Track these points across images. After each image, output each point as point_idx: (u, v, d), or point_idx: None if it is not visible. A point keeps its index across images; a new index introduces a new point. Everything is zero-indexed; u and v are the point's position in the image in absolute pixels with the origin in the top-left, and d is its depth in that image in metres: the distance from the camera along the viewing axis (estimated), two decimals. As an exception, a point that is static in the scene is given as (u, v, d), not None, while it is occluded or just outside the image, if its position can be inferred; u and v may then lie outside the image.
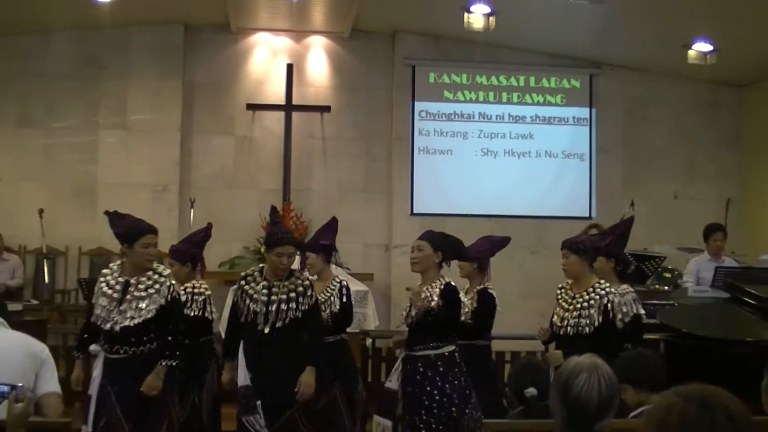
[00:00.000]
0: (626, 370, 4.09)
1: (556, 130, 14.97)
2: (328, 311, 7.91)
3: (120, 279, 6.52)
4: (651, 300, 10.66)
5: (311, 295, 6.80)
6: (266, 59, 14.66)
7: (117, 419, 6.26)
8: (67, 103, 14.04)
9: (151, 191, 14.03)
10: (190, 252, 8.13)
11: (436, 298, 6.67)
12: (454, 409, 6.56)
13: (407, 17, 14.24)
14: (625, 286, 7.70)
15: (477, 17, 12.04)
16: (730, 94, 15.27)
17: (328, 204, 14.18)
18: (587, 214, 14.46)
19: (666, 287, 11.25)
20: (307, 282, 6.83)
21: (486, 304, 7.87)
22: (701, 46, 12.68)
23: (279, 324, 6.64)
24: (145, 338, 6.36)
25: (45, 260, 12.69)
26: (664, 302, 10.60)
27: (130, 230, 6.70)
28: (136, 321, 6.32)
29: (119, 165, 14.08)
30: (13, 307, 9.82)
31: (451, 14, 12.55)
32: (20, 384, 3.95)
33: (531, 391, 5.61)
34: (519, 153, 14.85)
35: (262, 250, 13.15)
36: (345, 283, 8.27)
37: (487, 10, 11.95)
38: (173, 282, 6.54)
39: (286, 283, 6.75)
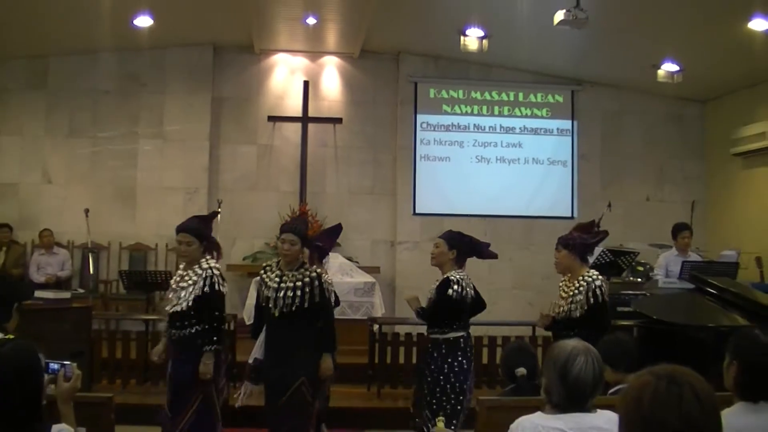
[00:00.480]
0: (606, 353, 4.09)
1: (542, 139, 14.97)
2: None
3: (180, 272, 6.67)
4: (626, 290, 10.68)
5: (318, 285, 6.71)
6: (285, 76, 14.68)
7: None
8: (110, 116, 14.08)
9: (184, 193, 14.07)
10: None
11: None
12: (455, 386, 6.80)
13: (410, 39, 14.25)
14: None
15: (472, 40, 12.04)
16: (694, 108, 15.25)
17: (340, 205, 14.21)
18: (570, 214, 14.47)
19: (639, 279, 11.24)
20: (314, 274, 6.74)
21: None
22: (669, 66, 12.67)
23: (285, 309, 6.62)
24: (186, 323, 6.43)
25: (90, 254, 12.70)
26: (637, 292, 10.60)
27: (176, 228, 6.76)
28: (176, 308, 6.44)
29: (156, 170, 14.12)
30: (62, 294, 9.89)
31: (449, 37, 12.55)
32: (68, 362, 3.96)
33: (521, 370, 5.62)
34: (509, 160, 14.85)
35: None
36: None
37: (481, 33, 11.95)
38: (212, 275, 6.49)
39: (296, 273, 6.71)
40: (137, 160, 14.13)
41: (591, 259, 9.55)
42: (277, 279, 6.74)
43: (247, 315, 11.03)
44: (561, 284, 7.15)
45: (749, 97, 13.61)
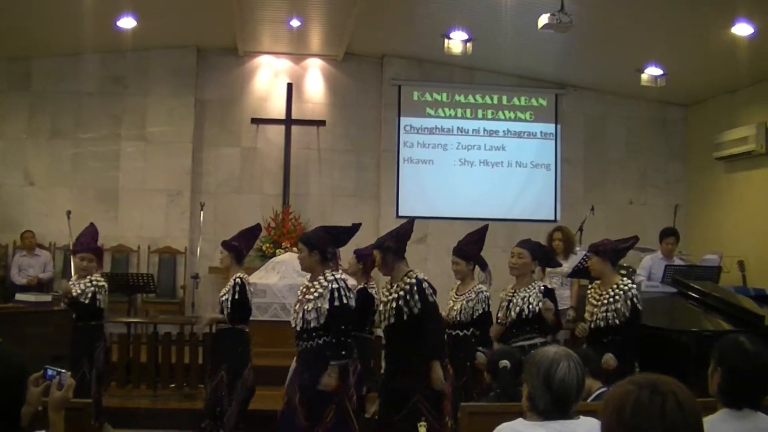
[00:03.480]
0: (584, 362, 4.11)
1: (525, 143, 14.97)
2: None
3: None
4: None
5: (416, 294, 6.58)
6: (269, 79, 14.65)
7: (294, 403, 6.50)
8: (93, 117, 14.04)
9: (166, 196, 14.02)
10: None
11: (533, 301, 6.89)
12: None
13: (394, 43, 14.25)
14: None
15: (456, 43, 12.02)
16: (677, 112, 15.28)
17: (323, 207, 14.19)
18: (552, 218, 14.46)
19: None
20: (411, 281, 6.63)
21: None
22: (652, 71, 12.68)
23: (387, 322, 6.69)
24: (314, 334, 6.45)
25: (72, 256, 12.65)
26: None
27: None
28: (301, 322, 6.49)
29: (138, 172, 14.07)
30: (43, 298, 9.83)
31: (433, 40, 12.55)
32: (64, 371, 3.93)
33: (504, 362, 5.67)
34: (492, 163, 14.84)
35: (264, 248, 13.24)
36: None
37: (465, 36, 11.94)
38: (337, 287, 6.40)
39: (399, 283, 6.66)
40: (120, 162, 14.07)
41: (570, 263, 9.68)
42: (384, 291, 6.87)
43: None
44: (590, 290, 7.20)
45: (732, 102, 13.64)
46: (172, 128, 14.15)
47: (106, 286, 8.25)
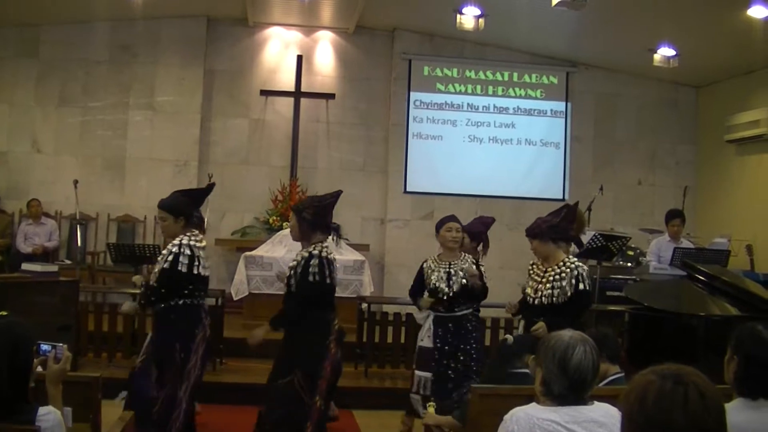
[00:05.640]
0: (601, 345, 4.07)
1: (535, 120, 14.91)
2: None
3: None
4: (616, 275, 10.70)
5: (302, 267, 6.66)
6: (279, 50, 14.58)
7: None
8: (102, 86, 13.97)
9: (174, 166, 13.98)
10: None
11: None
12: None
13: (406, 17, 14.17)
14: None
15: (468, 18, 11.93)
16: (688, 94, 15.22)
17: (331, 181, 14.12)
18: (561, 197, 14.39)
19: (629, 264, 11.23)
20: (306, 254, 6.70)
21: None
22: (665, 51, 12.61)
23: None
24: (154, 299, 6.48)
25: (78, 225, 12.61)
26: (627, 277, 10.63)
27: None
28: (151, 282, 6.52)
29: (146, 142, 14.03)
30: (50, 268, 9.81)
31: (445, 15, 12.46)
32: (60, 344, 3.91)
33: (508, 337, 5.69)
34: (502, 140, 14.79)
35: (271, 221, 13.22)
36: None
37: (478, 12, 11.84)
38: (178, 252, 6.41)
39: (300, 252, 6.72)
40: (127, 131, 14.02)
41: (584, 242, 9.58)
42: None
43: (235, 290, 10.99)
44: (531, 267, 7.11)
45: (744, 84, 13.57)
46: (181, 98, 14.10)
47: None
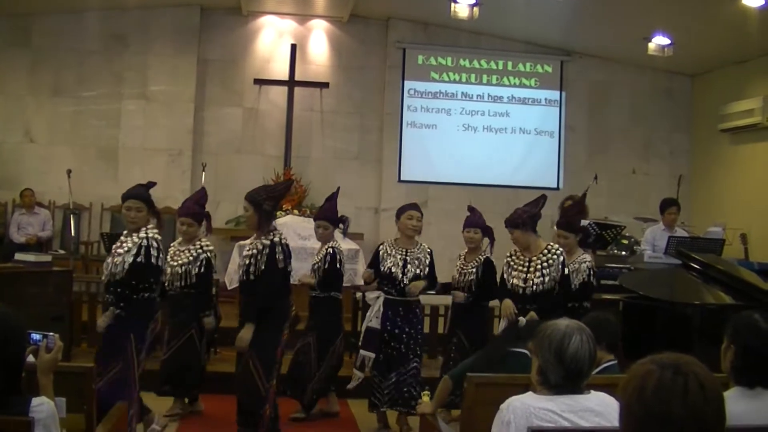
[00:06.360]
0: (598, 332, 4.06)
1: (529, 109, 14.90)
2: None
3: (122, 238, 6.59)
4: (610, 264, 10.68)
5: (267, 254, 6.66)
6: (273, 39, 14.53)
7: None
8: (95, 75, 13.93)
9: (167, 155, 13.96)
10: (202, 213, 8.09)
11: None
12: None
13: (400, 5, 14.17)
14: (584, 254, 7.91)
15: (462, 7, 11.91)
16: (683, 82, 15.22)
17: (325, 170, 14.13)
18: (555, 185, 14.43)
19: (623, 252, 11.22)
20: (267, 241, 6.69)
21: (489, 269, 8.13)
22: (660, 40, 12.58)
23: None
24: (119, 289, 6.39)
25: (71, 215, 12.60)
26: (621, 266, 10.61)
27: (122, 195, 6.73)
28: (112, 276, 6.41)
29: (139, 131, 14.00)
30: (43, 258, 9.78)
31: (439, 4, 12.41)
32: (51, 334, 3.88)
33: (521, 319, 5.91)
34: (496, 129, 14.78)
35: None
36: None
37: (472, 1, 11.81)
38: (149, 245, 6.40)
39: (256, 241, 6.77)
40: (120, 120, 13.99)
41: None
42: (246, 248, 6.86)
43: (229, 280, 10.98)
44: (511, 258, 7.21)
45: (739, 74, 13.57)
46: (174, 87, 14.06)
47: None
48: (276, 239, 6.65)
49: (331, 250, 8.13)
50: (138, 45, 14.04)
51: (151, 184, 7.02)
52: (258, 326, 6.56)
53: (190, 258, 7.89)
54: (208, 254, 7.99)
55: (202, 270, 7.92)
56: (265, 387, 6.56)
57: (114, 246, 6.60)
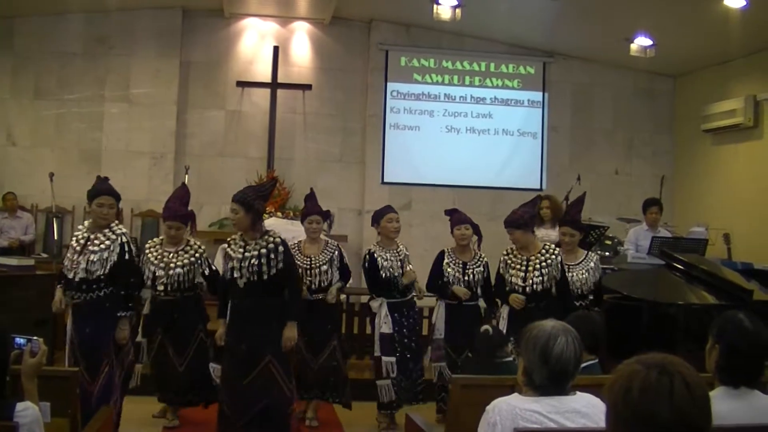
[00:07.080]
0: (583, 331, 4.06)
1: (512, 111, 14.91)
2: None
3: (85, 235, 6.55)
4: (594, 265, 10.67)
5: (281, 252, 6.54)
6: (255, 42, 14.50)
7: (75, 357, 6.44)
8: (77, 78, 13.86)
9: (150, 158, 13.91)
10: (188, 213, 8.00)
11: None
12: None
13: (382, 7, 14.16)
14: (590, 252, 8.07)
15: (445, 9, 11.94)
16: (665, 83, 15.26)
17: (308, 172, 14.11)
18: (538, 186, 14.44)
19: (607, 253, 11.25)
20: (277, 239, 6.59)
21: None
22: (642, 41, 12.63)
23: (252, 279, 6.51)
24: (95, 286, 6.40)
25: (54, 218, 12.55)
26: (605, 267, 10.61)
27: (90, 191, 6.68)
28: (89, 274, 6.40)
29: (122, 134, 13.94)
30: (26, 262, 9.76)
31: (422, 5, 12.46)
32: (35, 338, 3.86)
33: (488, 328, 5.83)
34: (479, 130, 14.79)
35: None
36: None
37: (455, 2, 11.85)
38: (127, 240, 6.48)
39: (260, 241, 6.55)
40: (103, 123, 13.93)
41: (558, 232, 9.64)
42: (240, 249, 6.60)
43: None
44: (507, 256, 7.33)
45: (721, 74, 13.62)
46: (157, 90, 14.00)
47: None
48: (278, 239, 6.59)
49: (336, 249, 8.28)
50: (120, 47, 13.97)
51: (108, 179, 7.04)
52: (270, 326, 6.52)
53: (191, 260, 7.74)
54: (205, 254, 7.89)
55: (212, 270, 7.88)
56: (288, 387, 6.54)
57: (76, 242, 6.56)
